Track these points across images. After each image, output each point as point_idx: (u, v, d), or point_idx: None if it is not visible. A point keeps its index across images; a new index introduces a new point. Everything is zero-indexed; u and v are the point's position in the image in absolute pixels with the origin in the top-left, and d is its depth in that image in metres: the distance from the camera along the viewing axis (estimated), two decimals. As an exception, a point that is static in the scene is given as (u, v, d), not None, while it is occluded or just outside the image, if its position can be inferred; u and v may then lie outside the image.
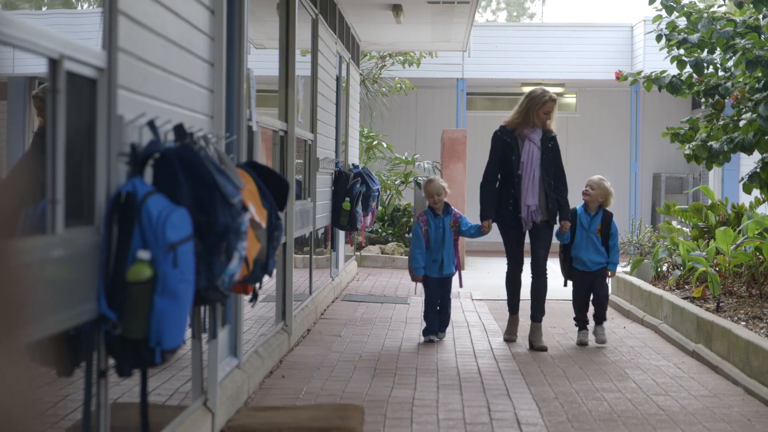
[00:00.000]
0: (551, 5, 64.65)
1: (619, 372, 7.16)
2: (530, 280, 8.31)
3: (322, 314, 9.89)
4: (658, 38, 10.38)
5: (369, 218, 11.70)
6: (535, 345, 8.09)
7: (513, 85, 20.98)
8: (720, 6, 10.68)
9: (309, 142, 9.35)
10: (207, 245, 3.67)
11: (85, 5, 5.76)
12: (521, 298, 8.44)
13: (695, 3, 10.47)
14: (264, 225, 4.39)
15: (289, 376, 6.81)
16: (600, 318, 8.46)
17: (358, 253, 15.46)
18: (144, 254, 3.32)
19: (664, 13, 10.64)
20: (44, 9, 6.03)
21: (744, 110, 10.01)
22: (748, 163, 16.82)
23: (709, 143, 10.18)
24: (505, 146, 8.20)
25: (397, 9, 11.64)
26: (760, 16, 9.75)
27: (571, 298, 8.67)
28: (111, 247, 3.36)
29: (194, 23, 4.68)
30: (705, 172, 19.91)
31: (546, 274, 8.31)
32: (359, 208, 10.87)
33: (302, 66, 9.00)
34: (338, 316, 9.90)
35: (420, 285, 8.57)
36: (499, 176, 8.29)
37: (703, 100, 10.44)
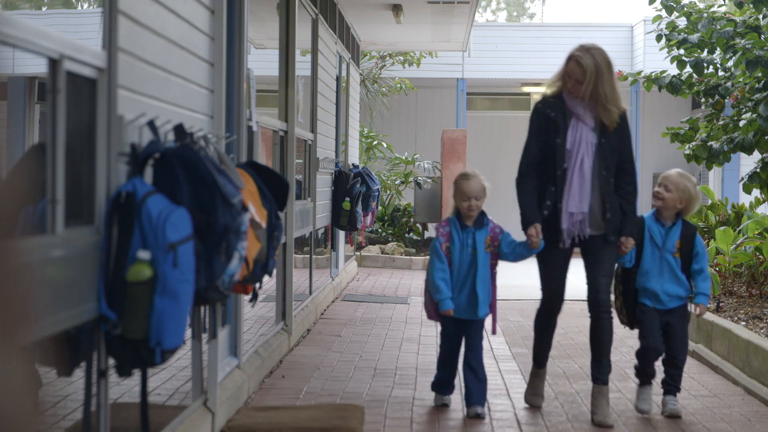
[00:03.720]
0: (551, 5, 64.65)
1: (619, 372, 7.16)
2: (588, 321, 5.83)
3: (322, 314, 9.89)
4: (658, 38, 10.39)
5: (369, 218, 11.70)
6: (597, 418, 5.63)
7: (513, 85, 20.98)
8: (720, 6, 10.69)
9: (309, 142, 9.35)
10: (207, 245, 3.67)
11: (85, 5, 5.76)
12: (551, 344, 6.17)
13: (695, 3, 10.48)
14: (264, 225, 4.39)
15: (289, 376, 6.81)
16: (674, 383, 5.91)
17: (358, 253, 15.46)
18: (144, 254, 3.32)
19: (664, 13, 10.65)
20: (44, 9, 6.03)
21: (744, 110, 10.01)
22: (748, 163, 16.82)
23: (709, 143, 10.18)
24: (548, 123, 5.73)
25: (397, 9, 11.63)
26: (760, 16, 9.75)
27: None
28: (111, 247, 3.36)
29: (194, 23, 4.68)
30: (705, 172, 19.90)
31: (610, 311, 5.77)
32: (359, 208, 10.87)
33: (302, 66, 9.00)
34: (338, 316, 9.90)
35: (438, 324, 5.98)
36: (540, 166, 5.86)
37: (703, 100, 10.44)
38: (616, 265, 5.88)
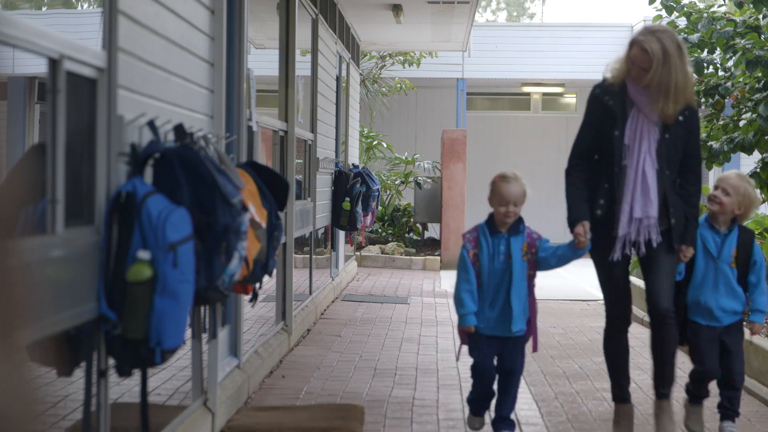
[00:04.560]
0: (551, 5, 64.67)
1: (619, 372, 7.16)
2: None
3: (322, 314, 9.89)
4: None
5: (369, 218, 11.70)
6: None
7: (513, 85, 20.99)
8: (720, 6, 10.69)
9: (309, 142, 9.35)
10: (207, 245, 3.67)
11: (85, 5, 5.76)
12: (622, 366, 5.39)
13: (695, 3, 10.48)
14: (264, 225, 4.39)
15: (289, 376, 6.82)
16: (732, 408, 5.37)
17: (358, 253, 15.46)
18: (144, 254, 3.32)
19: (664, 13, 10.65)
20: (44, 9, 6.04)
21: (744, 110, 10.01)
22: (748, 163, 16.82)
23: (709, 143, 10.18)
24: (605, 113, 5.09)
25: (397, 9, 11.64)
26: (760, 16, 9.75)
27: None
28: (111, 247, 3.36)
29: (194, 23, 4.68)
30: (705, 172, 19.92)
31: (674, 318, 5.16)
32: (359, 208, 10.87)
33: (302, 66, 9.00)
34: (338, 316, 9.90)
35: (464, 347, 5.28)
36: (594, 159, 5.20)
37: (703, 100, 10.44)
38: None
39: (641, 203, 5.01)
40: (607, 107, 5.07)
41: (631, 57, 4.98)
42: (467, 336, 5.14)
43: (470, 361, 5.18)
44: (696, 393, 5.36)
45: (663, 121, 5.01)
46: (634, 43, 4.98)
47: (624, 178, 5.03)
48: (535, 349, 5.20)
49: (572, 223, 5.04)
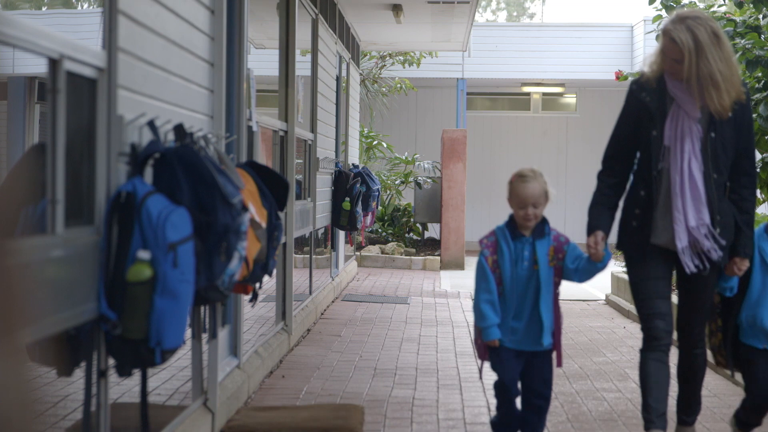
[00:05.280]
0: (551, 5, 64.66)
1: (619, 372, 7.16)
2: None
3: (322, 314, 9.89)
4: (658, 38, 10.38)
5: (369, 218, 11.70)
6: None
7: (513, 85, 20.99)
8: (720, 6, 10.69)
9: (309, 142, 9.35)
10: (207, 245, 3.67)
11: (85, 5, 5.76)
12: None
13: (695, 3, 10.48)
14: (264, 225, 4.39)
15: (289, 376, 6.82)
16: None
17: (358, 253, 15.46)
18: (144, 254, 3.32)
19: (664, 13, 10.64)
20: (44, 9, 6.04)
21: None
22: (748, 163, 16.82)
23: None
24: (642, 111, 4.61)
25: (397, 9, 11.64)
26: (760, 16, 9.75)
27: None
28: (111, 247, 3.36)
29: (194, 23, 4.68)
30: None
31: (704, 346, 4.75)
32: (359, 208, 10.87)
33: (302, 66, 9.00)
34: (338, 316, 9.90)
35: (486, 363, 4.80)
36: (629, 162, 4.74)
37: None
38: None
39: (694, 210, 4.47)
40: (643, 104, 4.57)
41: (663, 48, 4.52)
42: (489, 351, 4.65)
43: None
44: (750, 422, 4.84)
45: (717, 116, 4.46)
46: (663, 33, 4.50)
47: (662, 183, 4.53)
48: (559, 363, 4.79)
49: (587, 232, 4.61)
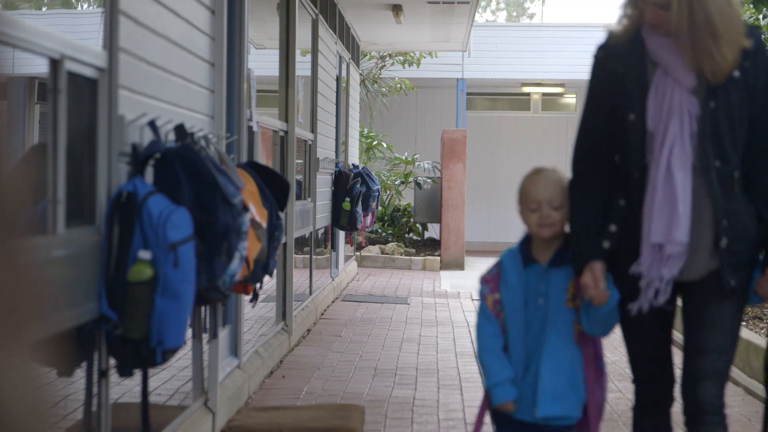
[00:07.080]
0: (551, 5, 64.67)
1: (619, 372, 7.16)
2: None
3: (322, 314, 9.90)
4: None
5: (369, 218, 11.70)
6: None
7: (513, 85, 20.99)
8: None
9: (309, 142, 9.35)
10: (208, 245, 3.67)
11: (86, 5, 5.76)
12: None
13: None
14: (265, 225, 4.39)
15: (290, 376, 6.82)
16: None
17: (358, 253, 15.46)
18: (145, 254, 3.32)
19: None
20: (44, 9, 6.04)
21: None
22: (748, 163, 16.82)
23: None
24: (615, 86, 3.29)
25: (397, 9, 11.64)
26: (760, 16, 9.75)
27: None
28: (112, 247, 3.36)
29: (195, 23, 4.68)
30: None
31: (723, 414, 3.31)
32: (359, 208, 10.87)
33: (302, 66, 9.00)
34: (338, 316, 9.90)
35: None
36: (610, 161, 3.36)
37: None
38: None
39: (662, 220, 3.17)
40: (616, 77, 3.27)
41: None
42: (495, 421, 3.43)
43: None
44: None
45: (707, 84, 3.20)
46: None
47: (645, 185, 3.23)
48: None
49: (578, 267, 3.26)
